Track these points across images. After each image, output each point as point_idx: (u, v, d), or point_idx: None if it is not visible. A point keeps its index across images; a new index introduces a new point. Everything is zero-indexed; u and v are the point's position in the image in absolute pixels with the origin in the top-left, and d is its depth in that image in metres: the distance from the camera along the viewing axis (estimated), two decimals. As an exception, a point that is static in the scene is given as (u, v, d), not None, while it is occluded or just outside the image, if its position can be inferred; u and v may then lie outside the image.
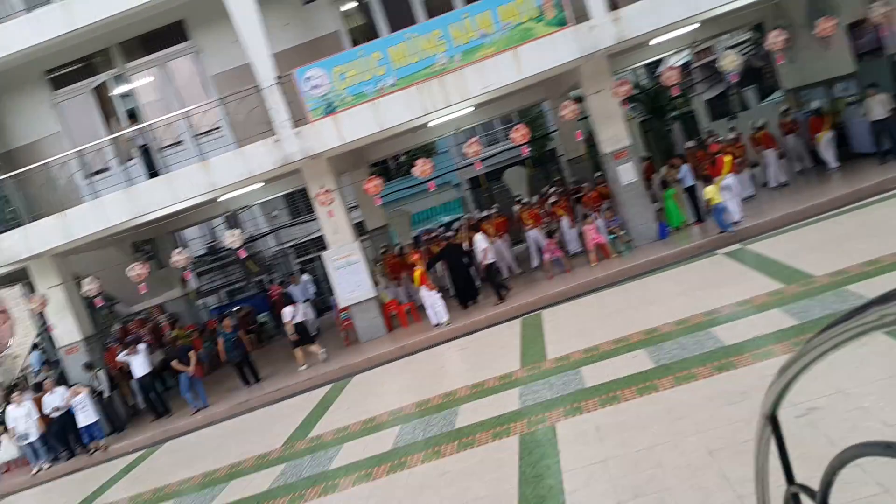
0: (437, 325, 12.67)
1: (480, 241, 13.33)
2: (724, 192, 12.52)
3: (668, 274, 11.11)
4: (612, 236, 13.61)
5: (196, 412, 12.83)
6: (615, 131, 13.33)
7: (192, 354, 13.04)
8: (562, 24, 11.71)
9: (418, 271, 12.97)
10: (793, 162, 15.85)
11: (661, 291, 10.17)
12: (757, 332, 7.01)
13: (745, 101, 23.92)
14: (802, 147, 15.64)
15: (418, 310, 14.33)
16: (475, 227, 14.98)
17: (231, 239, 13.32)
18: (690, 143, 16.51)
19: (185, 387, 12.95)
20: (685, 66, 25.76)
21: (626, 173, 13.26)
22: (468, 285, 13.88)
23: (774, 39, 12.31)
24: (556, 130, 24.30)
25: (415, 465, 6.77)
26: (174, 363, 13.17)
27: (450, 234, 16.41)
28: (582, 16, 11.76)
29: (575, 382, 7.42)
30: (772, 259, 9.76)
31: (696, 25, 14.03)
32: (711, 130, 19.39)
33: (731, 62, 12.63)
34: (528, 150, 14.03)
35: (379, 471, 6.96)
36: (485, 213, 17.13)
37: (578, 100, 14.20)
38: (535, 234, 14.84)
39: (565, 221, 14.96)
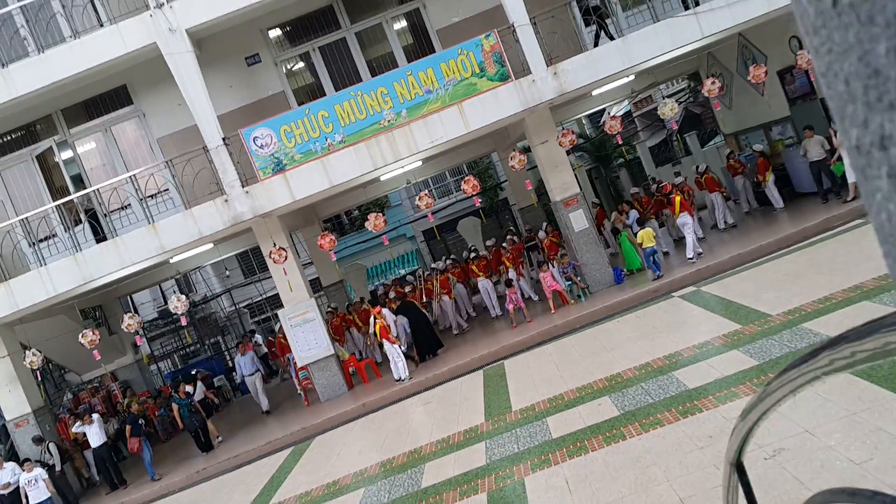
0: (399, 379, 12.48)
1: (387, 315, 13.52)
2: (684, 227, 13.02)
3: (626, 318, 11.22)
4: (569, 283, 13.76)
5: (155, 479, 12.45)
6: (563, 179, 13.62)
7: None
8: (503, 78, 12.02)
9: (379, 325, 12.82)
10: (740, 203, 16.41)
11: (621, 336, 10.25)
12: (718, 374, 7.10)
13: (687, 147, 24.83)
14: (749, 188, 16.17)
15: (377, 365, 14.15)
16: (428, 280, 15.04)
17: (176, 304, 13.01)
18: (635, 189, 16.98)
19: (149, 455, 12.60)
20: (627, 114, 26.71)
21: (578, 220, 13.51)
22: (430, 339, 13.75)
23: (710, 87, 12.90)
24: (506, 180, 24.76)
25: (382, 529, 6.56)
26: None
27: (408, 289, 16.33)
28: (521, 71, 12.12)
29: (541, 433, 7.35)
30: (727, 300, 9.98)
31: (632, 77, 14.62)
32: (654, 177, 20.03)
33: (670, 110, 13.16)
34: (480, 200, 14.22)
35: (344, 538, 6.72)
36: (439, 265, 17.15)
37: (526, 150, 14.53)
38: (484, 284, 14.96)
39: (512, 272, 15.01)
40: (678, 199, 13.63)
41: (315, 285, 18.93)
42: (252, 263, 29.03)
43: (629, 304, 12.17)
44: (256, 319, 29.39)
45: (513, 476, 6.53)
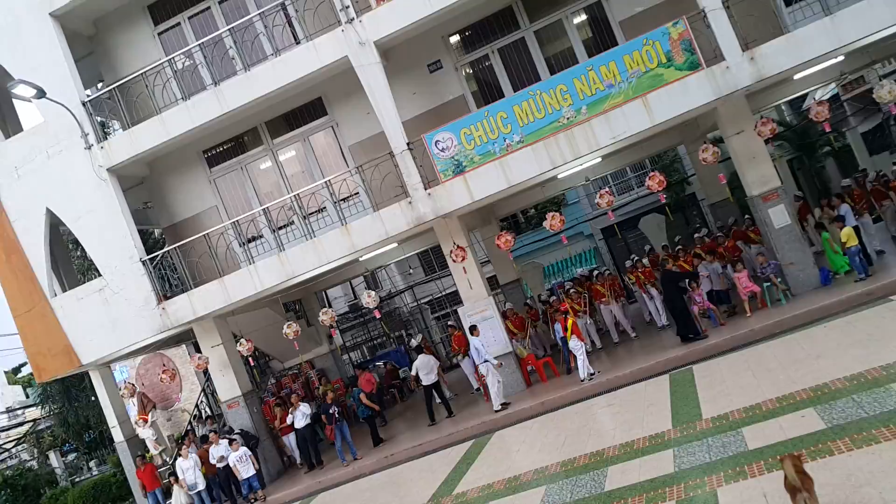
0: (585, 378, 12.25)
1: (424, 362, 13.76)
2: None
3: (834, 324, 10.10)
4: (768, 284, 12.68)
5: (345, 465, 13.38)
6: (762, 172, 12.58)
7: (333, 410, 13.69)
8: (693, 67, 11.34)
9: (570, 321, 12.71)
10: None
11: (828, 343, 9.26)
12: (949, 389, 6.18)
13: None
14: None
15: (556, 364, 14.03)
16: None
17: (368, 300, 13.87)
18: (846, 181, 15.25)
19: (340, 440, 13.56)
20: (834, 98, 24.04)
21: (778, 216, 12.40)
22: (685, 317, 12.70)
23: (940, 62, 11.21)
24: (694, 174, 23.38)
25: (564, 530, 6.48)
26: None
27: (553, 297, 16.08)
28: (714, 58, 11.36)
29: (735, 444, 6.85)
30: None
31: (842, 58, 13.10)
32: (864, 169, 17.84)
33: (888, 93, 11.61)
34: (666, 196, 13.54)
35: (526, 535, 6.72)
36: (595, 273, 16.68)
37: (718, 141, 13.61)
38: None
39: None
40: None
41: (493, 283, 19.20)
42: (433, 261, 30.09)
43: (838, 308, 10.95)
44: (437, 315, 30.43)
45: (704, 486, 6.15)
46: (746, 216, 15.40)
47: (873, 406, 6.47)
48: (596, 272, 16.86)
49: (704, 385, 9.45)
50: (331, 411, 13.54)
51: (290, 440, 14.74)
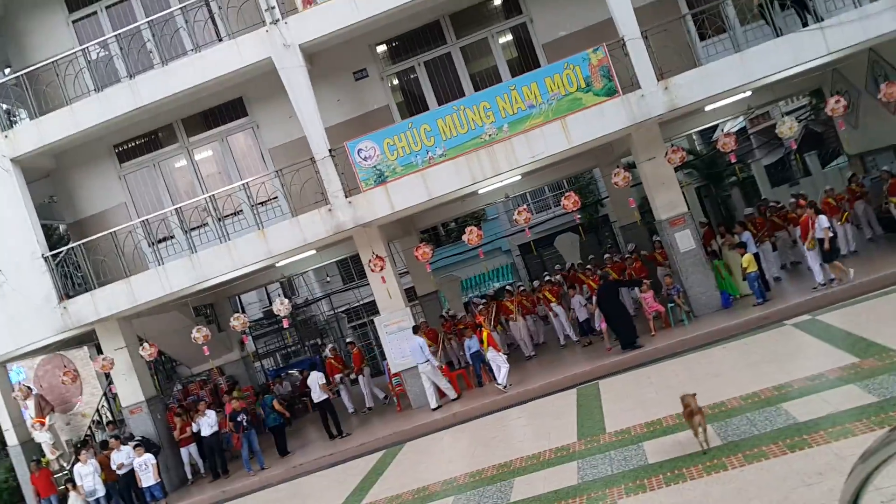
0: (507, 385, 12.42)
1: (314, 378, 13.67)
2: (809, 254, 12.34)
3: (732, 345, 10.65)
4: (672, 305, 13.26)
5: (250, 474, 13.02)
6: (670, 198, 13.17)
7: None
8: (610, 93, 11.80)
9: (485, 333, 12.87)
10: (862, 229, 15.36)
11: (725, 363, 9.75)
12: (832, 409, 6.62)
13: (807, 167, 23.39)
14: (872, 213, 15.17)
15: (469, 376, 14.17)
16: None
17: (279, 307, 13.58)
18: (750, 210, 16.19)
19: (247, 449, 13.16)
20: (742, 131, 25.54)
21: (684, 240, 13.01)
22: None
23: (834, 105, 12.11)
24: (607, 197, 24.24)
25: (468, 542, 6.51)
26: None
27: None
28: (630, 85, 11.85)
29: (637, 458, 7.09)
30: (845, 331, 9.31)
31: (749, 93, 13.95)
32: (766, 199, 19.01)
33: (789, 129, 12.45)
34: (580, 216, 13.98)
35: (431, 547, 6.72)
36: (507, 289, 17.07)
37: (630, 166, 14.17)
38: (574, 302, 14.66)
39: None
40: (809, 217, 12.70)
41: (410, 295, 19.22)
42: (351, 270, 29.84)
43: (736, 330, 11.56)
44: (353, 324, 30.15)
45: (605, 498, 6.33)
46: (655, 238, 16.09)
47: (765, 424, 6.84)
48: (506, 289, 17.20)
49: (609, 399, 9.76)
50: (239, 419, 13.17)
51: (192, 451, 14.15)
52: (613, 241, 25.20)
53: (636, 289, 13.81)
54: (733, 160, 14.03)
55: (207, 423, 13.45)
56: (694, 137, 26.93)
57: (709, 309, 13.09)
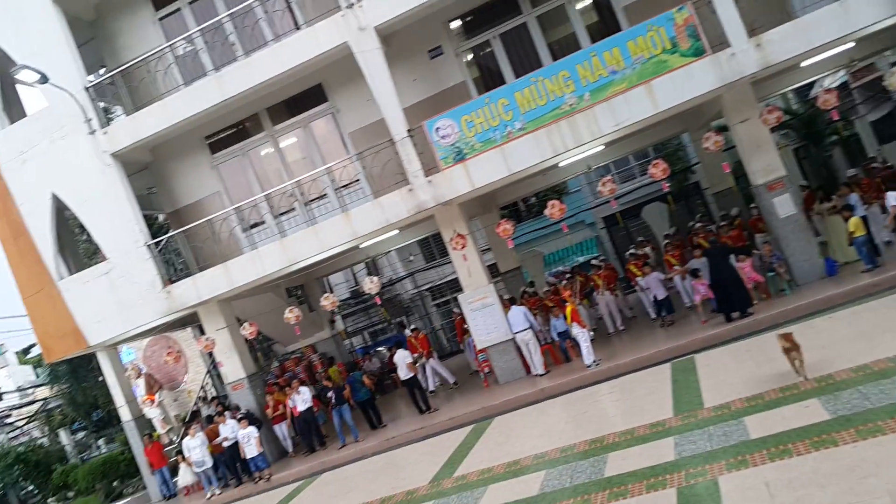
0: (591, 364, 12.22)
1: (401, 357, 13.72)
2: None
3: (840, 315, 10.04)
4: (772, 274, 12.59)
5: (342, 446, 13.50)
6: (767, 161, 12.46)
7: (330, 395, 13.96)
8: (698, 53, 11.21)
9: (569, 309, 12.66)
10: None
11: (833, 334, 9.20)
12: (956, 380, 6.13)
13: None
14: None
15: (555, 351, 14.02)
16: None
17: (369, 286, 13.83)
18: (854, 171, 15.12)
19: (339, 422, 13.64)
20: (843, 85, 23.80)
21: (783, 205, 12.29)
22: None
23: (950, 50, 11.05)
24: (698, 163, 23.23)
25: (564, 515, 6.47)
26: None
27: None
28: (719, 44, 11.22)
29: (737, 433, 6.81)
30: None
31: (852, 44, 12.96)
32: (873, 157, 17.67)
33: (897, 80, 11.47)
34: (669, 184, 13.43)
35: (526, 519, 6.72)
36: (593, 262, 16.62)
37: (722, 129, 13.49)
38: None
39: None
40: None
41: (493, 271, 19.16)
42: (433, 249, 30.05)
43: (843, 299, 10.85)
44: (437, 302, 30.43)
45: (705, 474, 6.12)
46: (751, 206, 15.32)
47: (880, 397, 6.41)
48: (592, 262, 16.82)
49: (706, 374, 9.41)
50: (328, 395, 13.61)
51: (282, 429, 14.71)
52: (706, 210, 24.18)
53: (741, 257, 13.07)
54: (835, 118, 13.07)
55: (302, 400, 13.94)
56: (790, 95, 25.32)
57: (812, 277, 12.37)
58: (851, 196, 12.98)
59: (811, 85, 21.76)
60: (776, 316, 11.25)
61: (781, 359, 8.57)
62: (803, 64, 13.33)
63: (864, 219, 12.50)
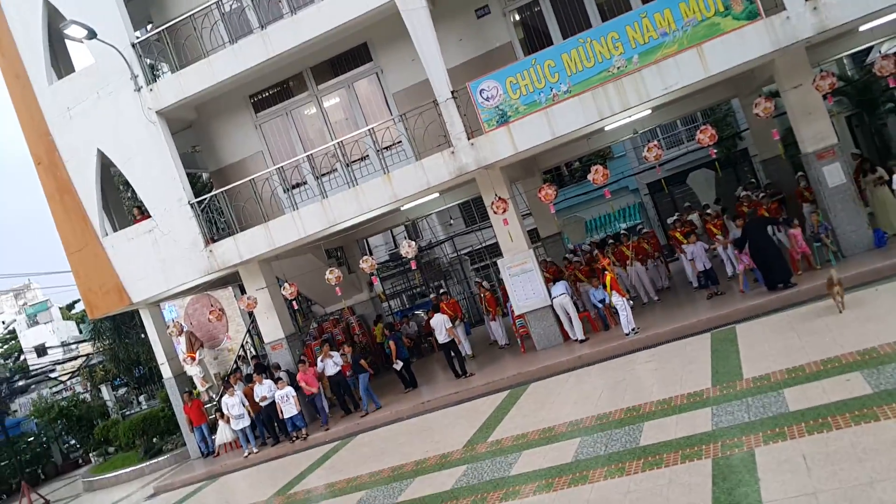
0: (630, 332, 12.20)
1: (439, 321, 13.65)
2: None
3: (887, 287, 9.81)
4: (818, 244, 12.31)
5: (365, 415, 13.64)
6: (818, 128, 12.09)
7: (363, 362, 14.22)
8: (752, 16, 10.82)
9: (609, 276, 12.58)
10: None
11: (878, 307, 9.01)
12: None
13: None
14: None
15: (594, 319, 13.99)
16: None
17: (406, 250, 13.91)
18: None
19: (362, 388, 13.86)
20: (902, 51, 22.77)
21: (833, 175, 11.94)
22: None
23: None
24: (747, 129, 22.61)
25: (597, 479, 6.57)
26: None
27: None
28: (773, 7, 10.82)
29: (776, 405, 6.77)
30: None
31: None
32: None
33: (962, 45, 10.93)
34: (716, 151, 13.13)
35: (560, 482, 6.84)
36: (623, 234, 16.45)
37: (773, 95, 13.09)
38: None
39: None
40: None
41: (533, 236, 19.09)
42: (474, 213, 30.02)
43: (891, 271, 10.58)
44: (476, 266, 30.52)
45: (741, 446, 6.13)
46: (799, 173, 14.91)
47: (923, 372, 6.31)
48: (621, 233, 16.66)
49: (747, 345, 9.32)
50: (360, 362, 14.01)
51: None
52: (754, 177, 23.57)
53: (781, 228, 12.83)
54: (892, 85, 12.55)
55: (333, 363, 14.10)
56: (845, 61, 24.33)
57: (860, 248, 12.06)
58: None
59: (868, 50, 20.84)
60: (819, 287, 10.96)
61: (824, 330, 8.48)
62: (861, 28, 12.80)
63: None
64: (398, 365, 14.41)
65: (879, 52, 20.01)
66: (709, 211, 15.80)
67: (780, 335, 9.26)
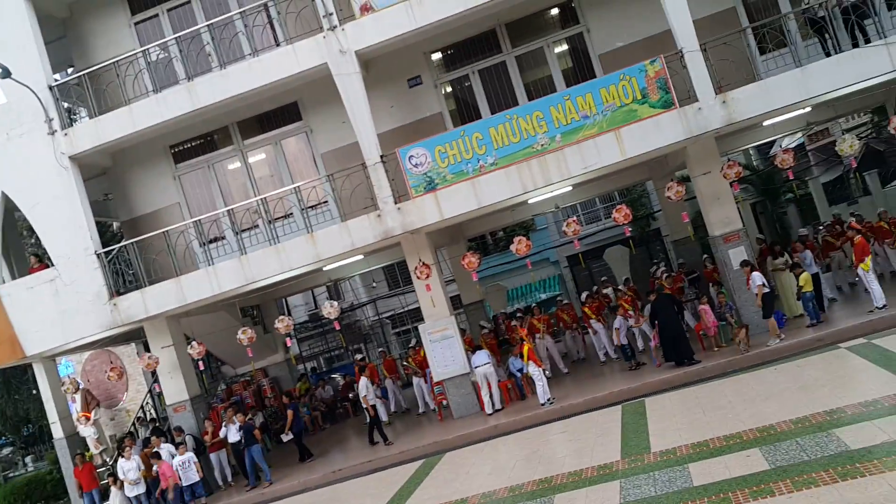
0: (544, 403, 12.22)
1: (363, 385, 13.45)
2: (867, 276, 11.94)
3: (784, 367, 10.31)
4: (723, 323, 12.87)
5: (269, 485, 12.94)
6: (725, 213, 12.85)
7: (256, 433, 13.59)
8: (667, 105, 11.57)
9: (527, 347, 12.69)
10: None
11: (777, 385, 9.42)
12: (887, 437, 6.35)
13: (866, 186, 22.54)
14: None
15: (509, 389, 14.00)
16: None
17: (329, 310, 13.67)
18: (804, 230, 15.69)
19: (257, 459, 13.23)
20: (800, 147, 24.77)
21: (738, 257, 12.63)
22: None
23: (898, 124, 11.61)
24: (659, 210, 23.79)
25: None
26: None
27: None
28: (687, 98, 11.61)
29: (681, 479, 6.89)
30: (904, 356, 8.91)
31: (809, 109, 13.55)
32: (825, 222, 18.36)
33: (849, 146, 12.04)
34: (631, 229, 13.71)
35: (468, 560, 6.63)
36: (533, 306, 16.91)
37: (685, 180, 13.87)
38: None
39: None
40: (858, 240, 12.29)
41: (455, 303, 19.17)
42: (397, 276, 29.98)
43: (789, 351, 11.20)
44: (397, 330, 30.28)
45: (648, 521, 6.16)
46: (705, 256, 15.73)
47: (815, 450, 6.59)
48: (531, 307, 17.08)
49: (655, 419, 9.52)
50: (253, 432, 13.37)
51: (221, 457, 14.12)
52: (665, 256, 24.69)
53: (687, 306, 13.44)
54: (791, 177, 13.58)
55: (235, 430, 13.36)
56: (751, 152, 26.23)
57: (761, 329, 12.66)
58: (806, 252, 13.42)
59: (771, 144, 22.59)
60: (724, 365, 11.50)
61: (727, 407, 8.76)
62: (765, 123, 13.88)
63: (816, 276, 12.96)
64: (287, 437, 13.85)
65: (780, 146, 21.71)
66: (620, 287, 16.36)
67: (686, 410, 9.52)
